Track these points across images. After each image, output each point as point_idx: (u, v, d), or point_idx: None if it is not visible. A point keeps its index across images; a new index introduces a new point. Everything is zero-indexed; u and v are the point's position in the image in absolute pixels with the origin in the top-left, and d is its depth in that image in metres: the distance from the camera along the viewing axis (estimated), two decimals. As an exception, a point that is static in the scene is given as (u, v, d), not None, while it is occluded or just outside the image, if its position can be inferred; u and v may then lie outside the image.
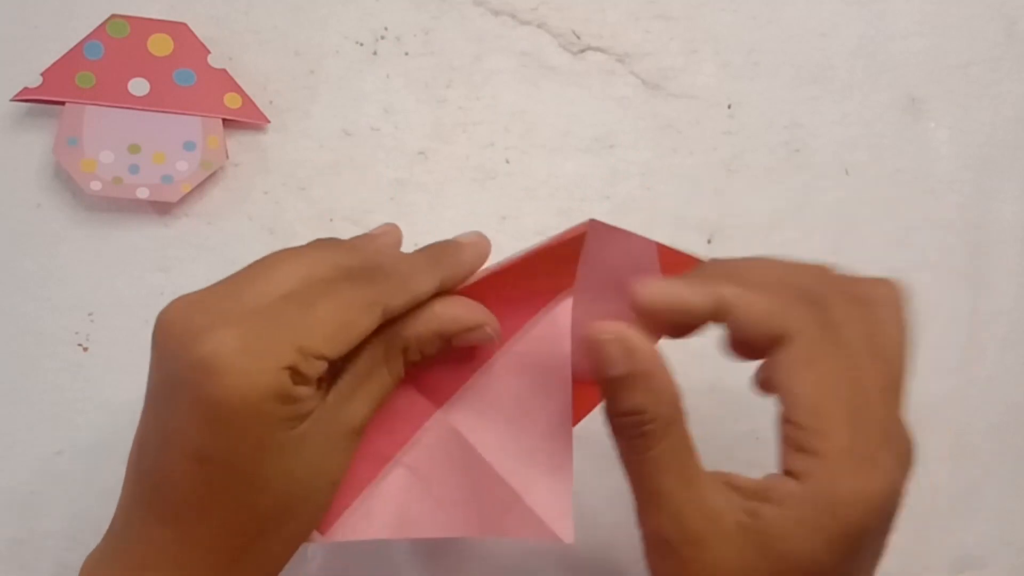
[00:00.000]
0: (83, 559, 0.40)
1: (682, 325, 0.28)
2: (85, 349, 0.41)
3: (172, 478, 0.26)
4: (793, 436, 0.26)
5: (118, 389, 0.41)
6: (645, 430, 0.27)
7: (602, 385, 0.27)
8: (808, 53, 0.45)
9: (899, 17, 0.45)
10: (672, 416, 0.27)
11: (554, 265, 0.29)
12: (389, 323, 0.29)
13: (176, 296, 0.41)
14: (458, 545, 0.40)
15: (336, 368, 0.28)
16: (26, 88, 0.40)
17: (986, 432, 0.43)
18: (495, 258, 0.43)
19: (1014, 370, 0.43)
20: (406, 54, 0.44)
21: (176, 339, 0.26)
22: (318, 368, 0.26)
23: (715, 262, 0.30)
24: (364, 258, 0.29)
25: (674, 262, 0.30)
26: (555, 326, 0.30)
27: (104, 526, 0.40)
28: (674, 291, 0.27)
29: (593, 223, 0.28)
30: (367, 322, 0.27)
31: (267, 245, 0.42)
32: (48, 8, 0.42)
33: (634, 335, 0.27)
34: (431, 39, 0.44)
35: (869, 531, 0.25)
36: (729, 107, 0.44)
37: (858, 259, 0.43)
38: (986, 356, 0.43)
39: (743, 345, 0.28)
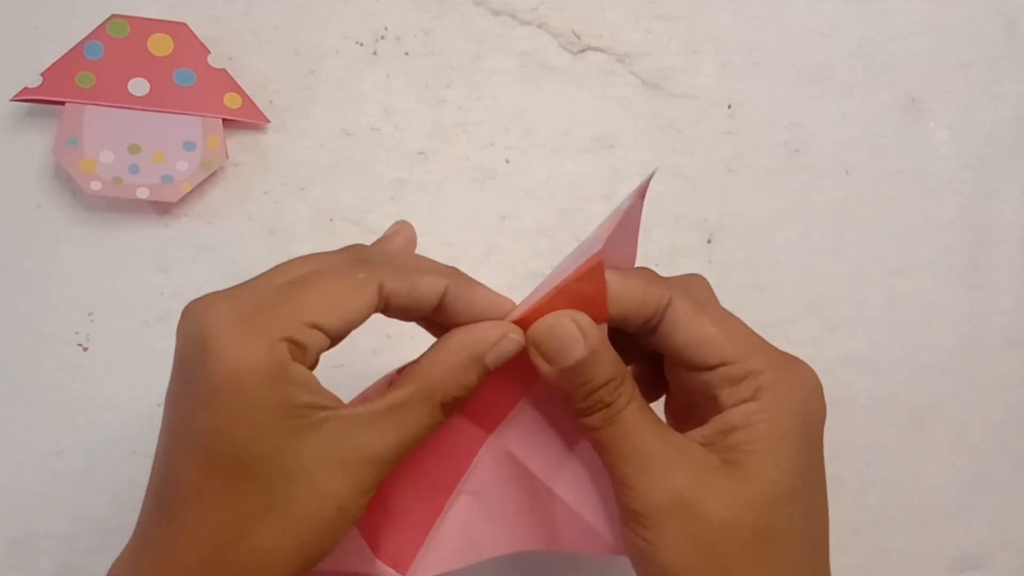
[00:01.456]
0: (83, 559, 0.40)
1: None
2: (85, 349, 0.41)
3: (176, 472, 0.26)
4: (726, 374, 0.28)
5: (118, 389, 0.41)
6: (621, 391, 0.28)
7: (565, 374, 0.28)
8: (808, 53, 0.45)
9: (899, 17, 0.45)
10: (630, 382, 0.29)
11: (582, 298, 0.29)
12: (419, 360, 0.28)
13: (176, 296, 0.41)
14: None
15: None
16: (26, 88, 0.40)
17: (986, 432, 0.43)
18: (494, 257, 0.43)
19: (1014, 370, 0.43)
20: (406, 54, 0.44)
21: (182, 325, 0.26)
22: (315, 339, 0.26)
23: None
24: (372, 251, 0.29)
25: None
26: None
27: (104, 526, 0.40)
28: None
29: (601, 254, 0.28)
30: (362, 298, 0.26)
31: (267, 245, 0.42)
32: (48, 8, 0.42)
33: (580, 315, 0.28)
34: (431, 39, 0.44)
35: (822, 419, 0.29)
36: (729, 107, 0.44)
37: (858, 259, 0.44)
38: (986, 356, 0.43)
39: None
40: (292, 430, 0.26)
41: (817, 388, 0.29)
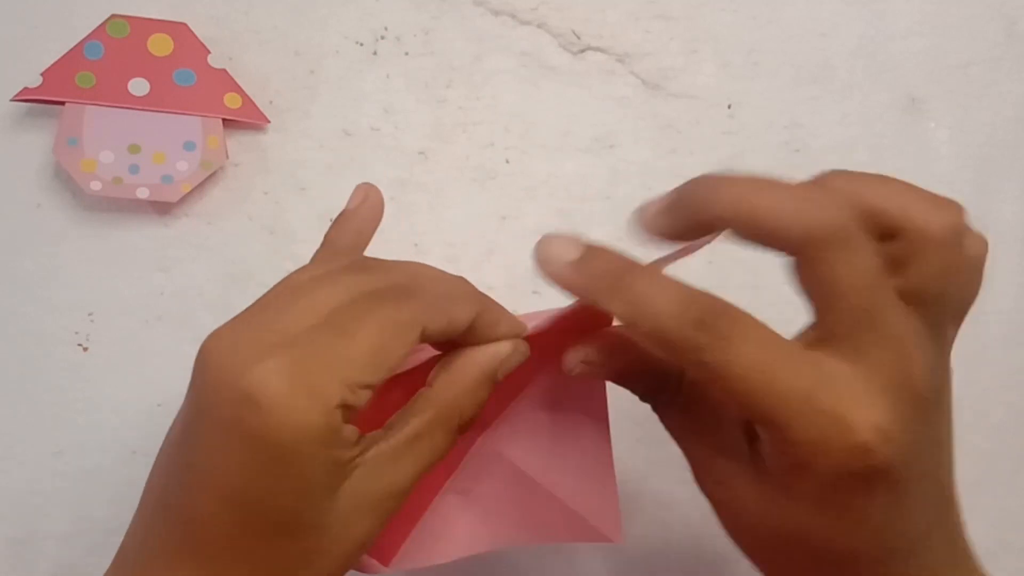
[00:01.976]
0: (83, 559, 0.40)
1: None
2: (85, 349, 0.41)
3: (204, 517, 0.25)
4: (762, 432, 0.25)
5: (118, 389, 0.41)
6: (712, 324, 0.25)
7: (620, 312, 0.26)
8: (808, 53, 0.45)
9: (899, 17, 0.45)
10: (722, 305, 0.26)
11: (585, 318, 0.29)
12: (431, 383, 0.28)
13: (176, 296, 0.41)
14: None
15: (375, 409, 0.28)
16: (26, 88, 0.40)
17: (986, 432, 0.43)
18: (494, 257, 0.43)
19: (1014, 370, 0.43)
20: (406, 54, 0.44)
21: (219, 372, 0.24)
22: (363, 398, 0.25)
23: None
24: (398, 277, 0.28)
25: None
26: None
27: (104, 526, 0.40)
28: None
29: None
30: (406, 342, 0.26)
31: (267, 245, 0.42)
32: (48, 8, 0.42)
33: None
34: (431, 39, 0.44)
35: (867, 479, 0.24)
36: (729, 107, 0.44)
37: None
38: (986, 356, 0.43)
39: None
40: (333, 487, 0.25)
41: (858, 447, 0.23)
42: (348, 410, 0.25)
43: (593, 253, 0.26)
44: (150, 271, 0.41)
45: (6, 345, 0.41)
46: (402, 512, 0.30)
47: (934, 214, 0.25)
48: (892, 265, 0.25)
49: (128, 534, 0.28)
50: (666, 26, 0.44)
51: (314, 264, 0.29)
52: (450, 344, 0.29)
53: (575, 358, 0.29)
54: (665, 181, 0.43)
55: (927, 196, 0.25)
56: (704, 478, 0.27)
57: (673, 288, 0.25)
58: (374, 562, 0.30)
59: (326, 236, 0.32)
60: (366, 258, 0.30)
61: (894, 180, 0.26)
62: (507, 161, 0.43)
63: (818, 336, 0.25)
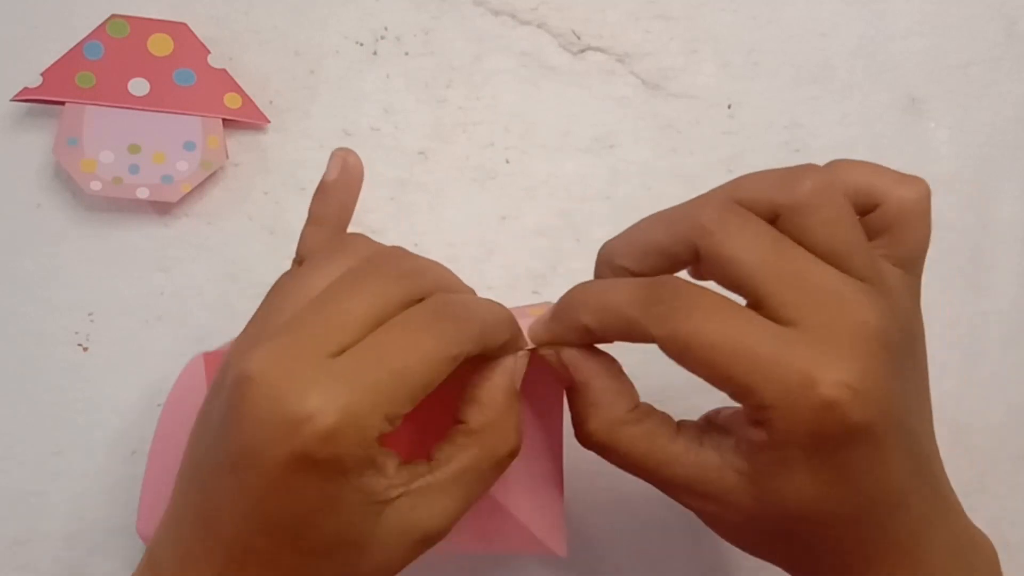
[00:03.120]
0: (83, 559, 0.40)
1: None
2: (85, 349, 0.41)
3: (240, 536, 0.25)
4: (733, 397, 0.25)
5: (118, 389, 0.41)
6: (592, 442, 0.28)
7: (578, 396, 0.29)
8: (808, 53, 0.45)
9: (899, 17, 0.45)
10: (615, 422, 0.28)
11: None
12: (470, 422, 0.28)
13: (176, 296, 0.41)
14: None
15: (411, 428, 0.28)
16: (26, 88, 0.40)
17: (986, 432, 0.43)
18: (494, 257, 0.43)
19: (1014, 370, 0.43)
20: (406, 54, 0.44)
21: (268, 401, 0.24)
22: (397, 424, 0.25)
23: (601, 253, 0.30)
24: (433, 282, 0.28)
25: None
26: (541, 357, 0.31)
27: (104, 526, 0.40)
28: (550, 335, 0.29)
29: None
30: (446, 372, 0.26)
31: (267, 245, 0.42)
32: (48, 8, 0.42)
33: (567, 351, 0.29)
34: (431, 39, 0.44)
35: (848, 433, 0.24)
36: (729, 107, 0.44)
37: (858, 259, 0.44)
38: (986, 356, 0.43)
39: None
40: (373, 514, 0.26)
41: (831, 404, 0.24)
42: (384, 436, 0.25)
43: (554, 310, 0.29)
44: (150, 271, 0.41)
45: (6, 345, 0.41)
46: None
47: (907, 188, 0.28)
48: (872, 233, 0.27)
49: (159, 543, 0.28)
50: (666, 26, 0.44)
51: (327, 257, 0.28)
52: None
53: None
54: (665, 181, 0.43)
55: (896, 173, 0.28)
56: (693, 500, 0.28)
57: (624, 283, 0.27)
58: None
59: (310, 211, 0.31)
60: (392, 251, 0.29)
61: (863, 162, 0.28)
62: (507, 161, 0.43)
63: (764, 315, 0.25)
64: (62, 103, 0.41)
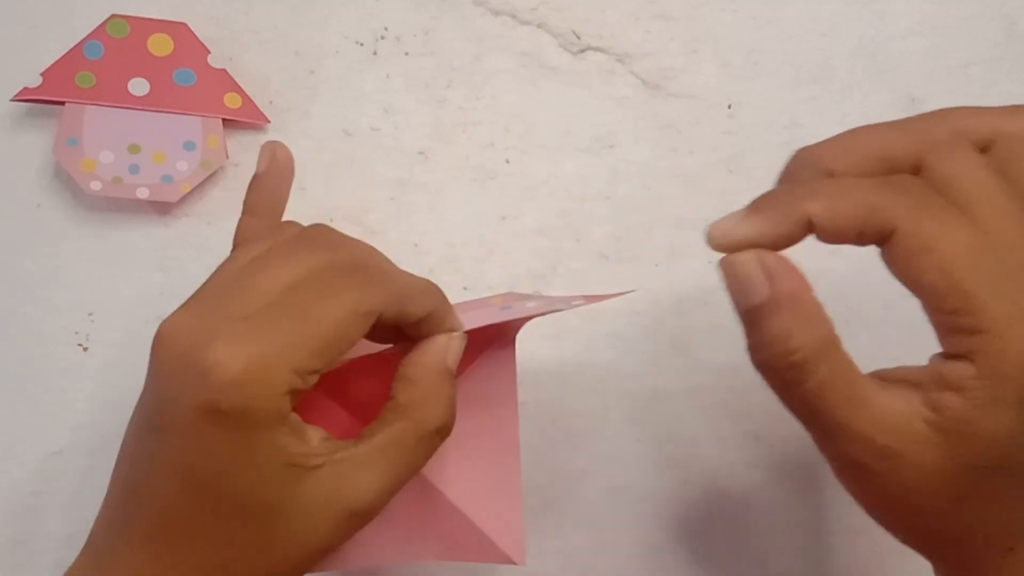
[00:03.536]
0: (83, 559, 0.40)
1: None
2: (85, 349, 0.41)
3: (165, 501, 0.26)
4: (946, 323, 0.24)
5: (118, 389, 0.41)
6: (795, 360, 0.25)
7: (746, 315, 0.26)
8: (808, 53, 0.45)
9: (899, 17, 0.45)
10: (824, 340, 0.25)
11: (495, 329, 0.30)
12: (398, 397, 0.28)
13: (176, 296, 0.41)
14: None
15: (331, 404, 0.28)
16: (26, 88, 0.40)
17: (986, 432, 0.43)
18: (494, 257, 0.43)
19: (1014, 370, 0.43)
20: (406, 54, 0.44)
21: (177, 356, 0.25)
22: (311, 382, 0.26)
23: (800, 158, 0.28)
24: (357, 256, 0.28)
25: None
26: (499, 361, 0.31)
27: (104, 526, 0.40)
28: (755, 229, 0.26)
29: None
30: (362, 330, 0.26)
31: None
32: (48, 8, 0.42)
33: (773, 257, 0.25)
34: (431, 39, 0.44)
35: None
36: (729, 107, 0.44)
37: (858, 258, 0.43)
38: (986, 356, 0.43)
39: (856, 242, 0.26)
40: (291, 478, 0.26)
41: None
42: (296, 394, 0.25)
43: (764, 201, 0.26)
44: (150, 271, 0.41)
45: (6, 345, 0.41)
46: None
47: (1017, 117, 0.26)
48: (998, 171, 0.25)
49: (96, 523, 0.28)
50: (666, 26, 0.44)
51: (257, 240, 0.29)
52: (394, 332, 0.29)
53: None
54: (665, 181, 0.43)
55: (1000, 108, 0.26)
56: (866, 454, 0.25)
57: (856, 178, 0.26)
58: None
59: (244, 202, 0.32)
60: (317, 228, 0.30)
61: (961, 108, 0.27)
62: (507, 161, 0.43)
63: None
64: (62, 103, 0.41)
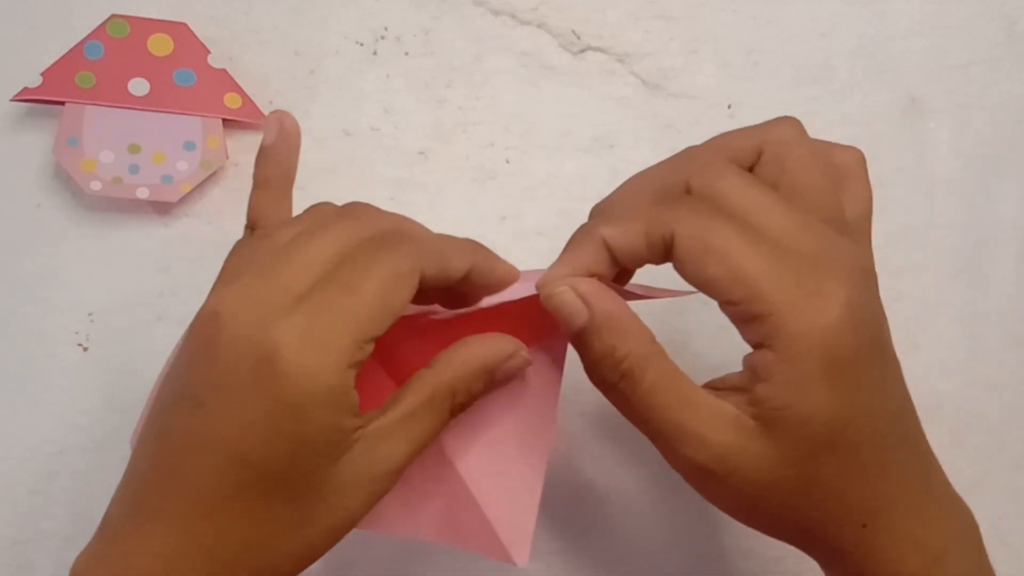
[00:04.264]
0: (83, 559, 0.40)
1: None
2: (85, 349, 0.41)
3: (197, 473, 0.25)
4: (738, 314, 0.26)
5: (118, 389, 0.41)
6: (623, 369, 0.27)
7: (573, 342, 0.28)
8: (808, 53, 0.45)
9: (899, 17, 0.45)
10: (647, 350, 0.27)
11: (540, 312, 0.29)
12: (432, 366, 0.29)
13: (176, 296, 0.41)
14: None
15: (369, 384, 0.28)
16: (26, 88, 0.40)
17: (986, 432, 0.43)
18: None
19: (1014, 370, 0.43)
20: (406, 54, 0.44)
21: (237, 334, 0.25)
22: (369, 351, 0.26)
23: (592, 211, 0.31)
24: (389, 224, 0.29)
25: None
26: (549, 353, 0.31)
27: (104, 526, 0.40)
28: (570, 267, 0.28)
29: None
30: (408, 291, 0.26)
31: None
32: (48, 8, 0.42)
33: (586, 283, 0.27)
34: (431, 39, 0.44)
35: (857, 346, 0.25)
36: (729, 107, 0.44)
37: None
38: (986, 356, 0.43)
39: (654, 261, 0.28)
40: (334, 455, 0.26)
41: (840, 319, 0.25)
42: (357, 366, 0.25)
43: (569, 243, 0.29)
44: (150, 271, 0.41)
45: (6, 345, 0.41)
46: None
47: (848, 152, 0.31)
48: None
49: (114, 503, 0.28)
50: (666, 26, 0.44)
51: (297, 220, 0.29)
52: (449, 294, 0.29)
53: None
54: (665, 181, 0.43)
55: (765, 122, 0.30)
56: (703, 454, 0.26)
57: (641, 198, 0.29)
58: None
59: (255, 176, 0.32)
60: (353, 204, 0.30)
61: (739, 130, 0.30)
62: (507, 161, 0.43)
63: None
64: (62, 103, 0.41)
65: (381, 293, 0.26)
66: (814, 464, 0.26)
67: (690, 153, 0.30)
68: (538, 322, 0.30)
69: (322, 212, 0.29)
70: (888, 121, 0.44)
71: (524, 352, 0.30)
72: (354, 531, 0.28)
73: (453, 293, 0.29)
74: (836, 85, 0.45)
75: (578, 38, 0.44)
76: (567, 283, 0.27)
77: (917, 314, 0.43)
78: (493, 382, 0.30)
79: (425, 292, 0.28)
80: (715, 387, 0.28)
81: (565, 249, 0.29)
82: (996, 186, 0.44)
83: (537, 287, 0.28)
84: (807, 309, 0.25)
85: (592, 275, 0.28)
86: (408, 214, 0.43)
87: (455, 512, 0.31)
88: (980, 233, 0.44)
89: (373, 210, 0.30)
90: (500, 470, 0.31)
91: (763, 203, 0.26)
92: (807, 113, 0.44)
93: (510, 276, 0.30)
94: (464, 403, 0.29)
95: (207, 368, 0.25)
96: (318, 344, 0.24)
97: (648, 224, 0.27)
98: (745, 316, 0.26)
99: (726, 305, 0.26)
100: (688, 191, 0.28)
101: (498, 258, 0.30)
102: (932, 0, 0.45)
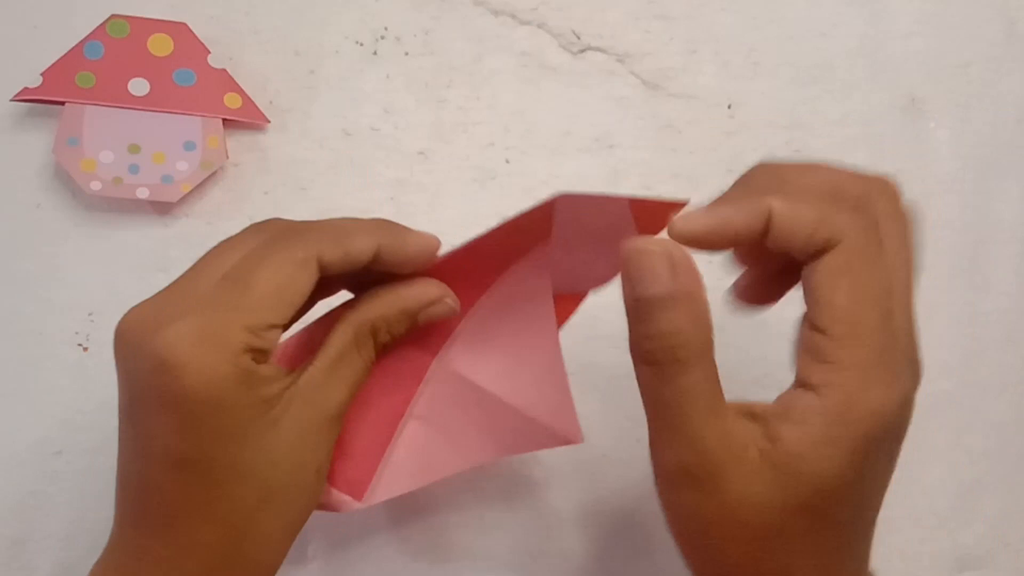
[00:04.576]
0: (83, 559, 0.40)
1: (726, 246, 0.27)
2: (85, 349, 0.41)
3: (153, 486, 0.26)
4: (817, 345, 0.25)
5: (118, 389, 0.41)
6: (679, 355, 0.25)
7: (637, 304, 0.26)
8: (808, 53, 0.45)
9: (899, 17, 0.45)
10: (706, 343, 0.26)
11: (526, 232, 0.29)
12: (352, 307, 0.29)
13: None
14: (458, 548, 0.40)
15: (302, 351, 0.28)
16: (26, 88, 0.40)
17: (986, 432, 0.43)
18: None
19: (1014, 370, 0.43)
20: (406, 54, 0.44)
21: (132, 346, 0.26)
22: (273, 339, 0.26)
23: (760, 169, 0.28)
24: (295, 222, 0.29)
25: (651, 212, 0.29)
26: (534, 263, 0.31)
27: (104, 526, 0.40)
28: (720, 217, 0.26)
29: (562, 198, 0.28)
30: (304, 277, 0.27)
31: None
32: (48, 8, 0.42)
33: (680, 252, 0.26)
34: (431, 39, 0.44)
35: (885, 441, 0.26)
36: (729, 107, 0.44)
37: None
38: (986, 356, 0.43)
39: (777, 257, 0.27)
40: (271, 422, 0.26)
41: (897, 408, 0.25)
42: (260, 353, 0.26)
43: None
44: (150, 271, 0.41)
45: (6, 345, 0.41)
46: (367, 445, 0.32)
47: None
48: None
49: (114, 517, 0.28)
50: (666, 26, 0.44)
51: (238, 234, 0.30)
52: (365, 277, 0.30)
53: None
54: (665, 181, 0.43)
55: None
56: (699, 464, 0.26)
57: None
58: (347, 498, 0.31)
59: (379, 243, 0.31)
60: (266, 220, 0.31)
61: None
62: (507, 161, 0.43)
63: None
64: (62, 103, 0.41)
65: (274, 282, 0.26)
66: (794, 521, 0.25)
67: (871, 174, 0.28)
68: (519, 240, 0.30)
69: (250, 226, 0.30)
70: (888, 121, 0.44)
71: (450, 299, 0.30)
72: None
73: (370, 274, 0.29)
74: (836, 85, 0.45)
75: (578, 38, 0.44)
76: (664, 244, 0.26)
77: (917, 314, 0.43)
78: (416, 324, 0.30)
79: (333, 279, 0.28)
80: (747, 410, 0.27)
81: (723, 199, 0.27)
82: (996, 186, 0.44)
83: (675, 233, 0.26)
84: (878, 385, 0.25)
85: (732, 241, 0.26)
86: (408, 214, 0.43)
87: (498, 426, 0.32)
88: (980, 233, 0.44)
89: (282, 221, 0.30)
90: (521, 369, 0.32)
91: (904, 267, 0.26)
92: (807, 113, 0.45)
93: (427, 248, 0.29)
94: (387, 342, 0.30)
95: (122, 384, 0.26)
96: (205, 339, 0.25)
97: (821, 216, 0.25)
98: (821, 354, 0.25)
99: (812, 330, 0.25)
100: (859, 207, 0.26)
101: (409, 231, 0.29)
102: (932, 0, 0.45)
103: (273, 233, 0.28)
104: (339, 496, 0.31)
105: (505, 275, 0.31)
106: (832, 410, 0.25)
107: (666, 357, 0.26)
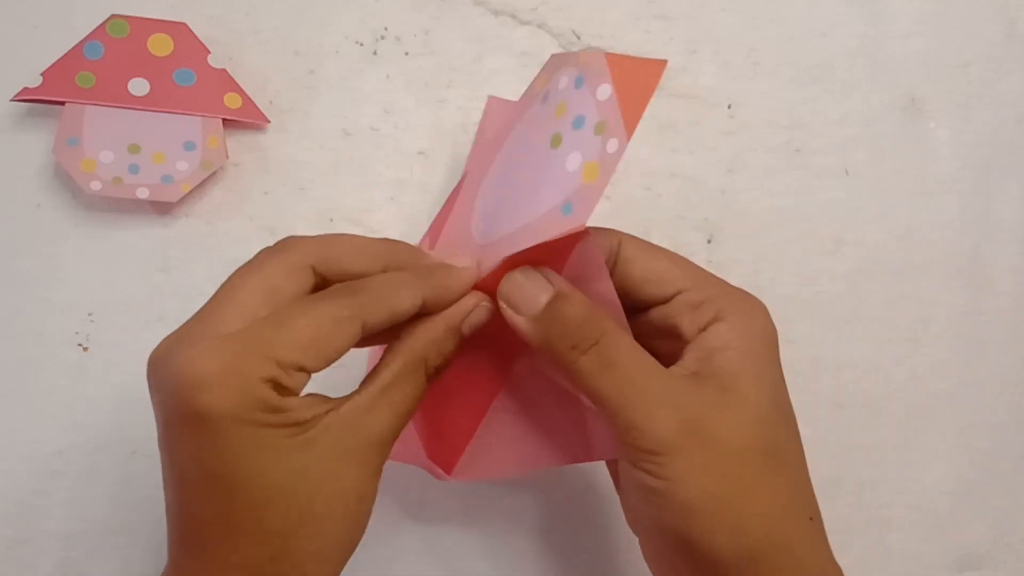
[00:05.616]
0: (83, 559, 0.40)
1: None
2: (85, 349, 0.41)
3: (186, 505, 0.26)
4: (684, 302, 0.30)
5: (118, 389, 0.41)
6: (605, 325, 0.29)
7: (531, 326, 0.29)
8: (808, 53, 0.45)
9: (899, 17, 0.45)
10: (615, 323, 0.29)
11: (545, 256, 0.30)
12: (400, 337, 0.29)
13: (176, 296, 0.41)
14: (462, 546, 0.40)
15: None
16: (26, 88, 0.40)
17: (986, 432, 0.43)
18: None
19: (1014, 370, 0.43)
20: (406, 54, 0.44)
21: (160, 370, 0.26)
22: (300, 380, 0.26)
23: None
24: (323, 249, 0.29)
25: (628, 71, 0.31)
26: (584, 255, 0.31)
27: (104, 526, 0.40)
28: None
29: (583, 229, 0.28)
30: (346, 336, 0.27)
31: (267, 245, 0.42)
32: (48, 8, 0.42)
33: (538, 270, 0.30)
34: (431, 39, 0.44)
35: (776, 338, 0.30)
36: (729, 107, 0.44)
37: (858, 259, 0.44)
38: (986, 356, 0.43)
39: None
40: (303, 444, 0.26)
41: (767, 314, 0.30)
42: (282, 388, 0.26)
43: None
44: (150, 271, 0.41)
45: (6, 345, 0.41)
46: (456, 428, 0.33)
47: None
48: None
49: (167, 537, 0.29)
50: (666, 26, 0.44)
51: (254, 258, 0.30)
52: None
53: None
54: (665, 181, 0.43)
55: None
56: (666, 422, 0.28)
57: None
58: (439, 469, 0.34)
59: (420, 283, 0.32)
60: (286, 239, 0.30)
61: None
62: (507, 161, 0.43)
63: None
64: (62, 103, 0.41)
65: (313, 330, 0.26)
66: (773, 431, 0.28)
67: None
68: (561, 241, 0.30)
69: (281, 250, 0.30)
70: (888, 121, 0.44)
71: (486, 302, 0.31)
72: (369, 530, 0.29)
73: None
74: (836, 85, 0.45)
75: (578, 38, 0.44)
76: (524, 268, 0.29)
77: (917, 314, 0.43)
78: (462, 337, 0.30)
79: (380, 333, 0.29)
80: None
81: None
82: (996, 186, 0.44)
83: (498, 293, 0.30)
84: (744, 300, 0.30)
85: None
86: (408, 214, 0.43)
87: (586, 434, 0.33)
88: (980, 233, 0.44)
89: (297, 238, 0.30)
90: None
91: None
92: (807, 113, 0.45)
93: (468, 285, 0.31)
94: (440, 365, 0.30)
95: (157, 411, 0.27)
96: (226, 364, 0.25)
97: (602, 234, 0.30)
98: (694, 301, 0.29)
99: (671, 298, 0.30)
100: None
101: (449, 271, 0.30)
102: (932, 0, 0.45)
103: (299, 263, 0.29)
104: (433, 466, 0.34)
105: (564, 271, 0.32)
106: (737, 325, 0.29)
107: (588, 344, 0.28)
